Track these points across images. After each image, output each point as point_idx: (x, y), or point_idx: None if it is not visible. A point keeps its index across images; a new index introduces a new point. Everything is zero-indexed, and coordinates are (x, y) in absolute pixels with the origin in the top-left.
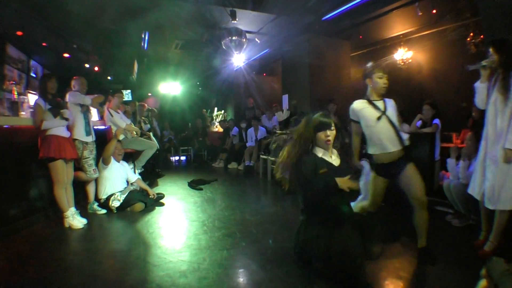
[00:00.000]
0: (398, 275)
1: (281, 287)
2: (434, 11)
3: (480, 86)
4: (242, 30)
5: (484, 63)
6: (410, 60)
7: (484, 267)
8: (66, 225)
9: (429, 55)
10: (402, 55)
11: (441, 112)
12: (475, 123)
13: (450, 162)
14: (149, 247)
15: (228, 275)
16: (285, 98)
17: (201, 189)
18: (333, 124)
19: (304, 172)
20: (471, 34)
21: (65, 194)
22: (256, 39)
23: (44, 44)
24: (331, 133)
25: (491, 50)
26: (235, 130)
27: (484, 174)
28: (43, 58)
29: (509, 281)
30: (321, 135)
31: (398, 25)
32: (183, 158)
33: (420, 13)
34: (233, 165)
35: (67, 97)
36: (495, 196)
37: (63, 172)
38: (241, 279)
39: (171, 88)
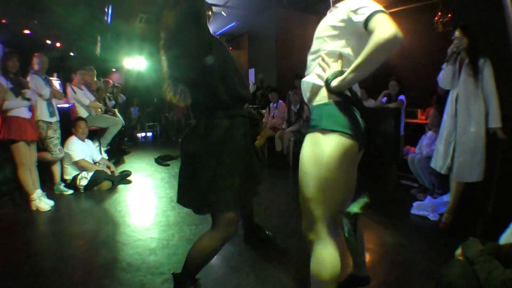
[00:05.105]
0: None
1: (250, 261)
2: None
3: (446, 68)
4: (208, 3)
5: (454, 49)
6: None
7: (460, 247)
8: (33, 208)
9: None
10: None
11: (406, 89)
12: (440, 99)
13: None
14: (118, 225)
15: None
16: (252, 72)
17: (168, 165)
18: None
19: None
20: (439, 13)
21: (30, 176)
22: (223, 13)
23: (3, 21)
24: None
25: (459, 33)
26: None
27: (449, 149)
28: (3, 35)
29: (485, 261)
30: None
31: None
32: (149, 134)
33: None
34: None
35: (29, 78)
36: (462, 170)
37: (25, 154)
38: None
39: (136, 63)
